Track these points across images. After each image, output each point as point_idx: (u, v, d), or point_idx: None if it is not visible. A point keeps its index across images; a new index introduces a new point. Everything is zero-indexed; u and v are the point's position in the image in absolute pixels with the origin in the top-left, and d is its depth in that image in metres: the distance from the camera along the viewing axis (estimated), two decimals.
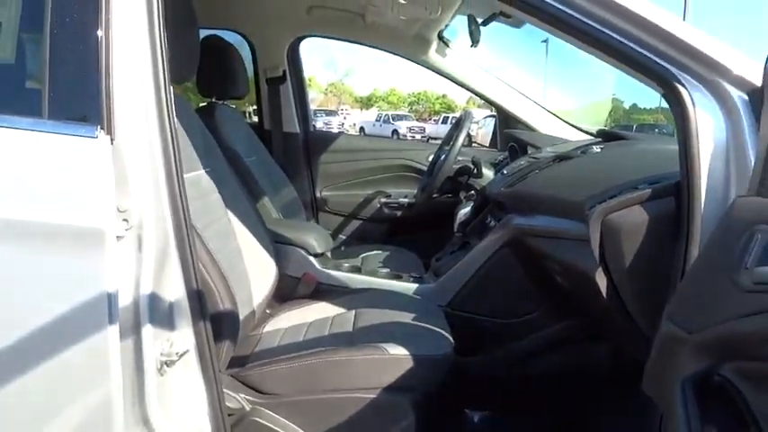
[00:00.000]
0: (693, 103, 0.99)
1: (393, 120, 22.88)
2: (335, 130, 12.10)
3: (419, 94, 37.28)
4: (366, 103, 37.91)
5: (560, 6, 1.00)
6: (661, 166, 1.15)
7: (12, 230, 0.84)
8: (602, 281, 1.16)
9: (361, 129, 21.64)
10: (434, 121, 23.87)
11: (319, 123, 17.39)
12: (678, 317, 0.76)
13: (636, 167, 1.28)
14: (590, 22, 1.01)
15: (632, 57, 1.02)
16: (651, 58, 1.01)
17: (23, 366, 0.85)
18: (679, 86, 1.00)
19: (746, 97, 0.99)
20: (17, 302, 0.85)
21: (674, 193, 1.04)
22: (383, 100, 38.04)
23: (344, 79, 38.34)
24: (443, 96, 34.16)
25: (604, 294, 1.15)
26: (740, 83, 0.98)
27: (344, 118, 25.37)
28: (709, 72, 1.00)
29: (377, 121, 23.50)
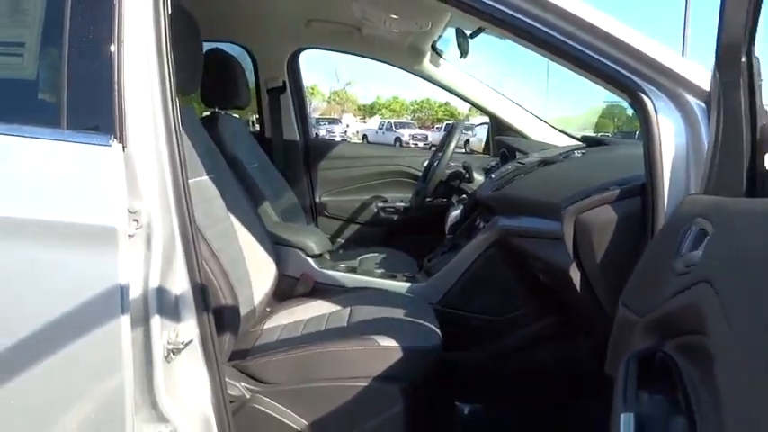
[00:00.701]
0: (656, 111, 1.07)
1: (396, 127, 22.92)
2: (338, 139, 12.16)
3: (422, 101, 37.40)
4: (369, 111, 38.05)
5: (527, 20, 1.08)
6: (634, 169, 1.24)
7: (33, 230, 0.92)
8: (575, 275, 1.24)
9: (364, 137, 21.74)
10: (437, 128, 23.92)
11: (322, 131, 17.46)
12: (630, 302, 0.84)
13: (611, 170, 1.37)
14: (561, 37, 1.09)
15: (600, 69, 1.10)
16: (618, 70, 1.09)
17: (45, 353, 0.93)
18: (643, 96, 1.08)
19: (704, 105, 1.07)
20: (38, 296, 0.94)
21: (639, 193, 1.13)
22: (386, 108, 38.17)
23: (347, 87, 38.59)
24: (446, 104, 34.28)
25: (578, 288, 1.24)
26: (698, 92, 1.06)
27: (347, 126, 25.45)
28: (671, 83, 1.08)
29: (379, 128, 23.57)
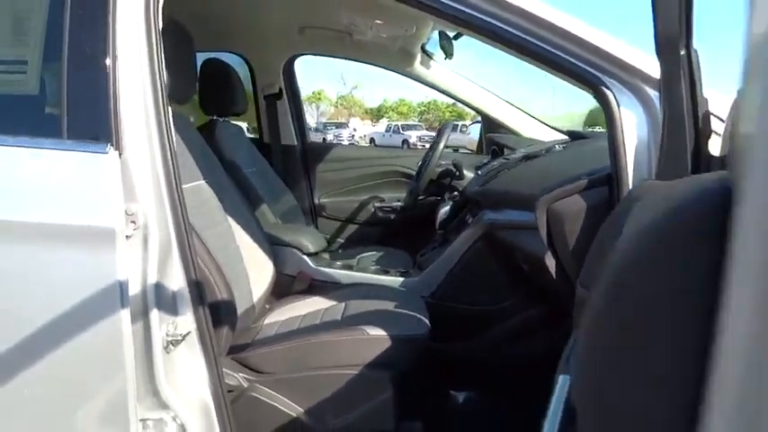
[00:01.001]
0: (618, 104, 1.13)
1: (403, 130, 22.94)
2: (346, 143, 12.19)
3: (429, 103, 37.39)
4: (376, 114, 38.14)
5: (493, 21, 1.14)
6: (608, 159, 1.30)
7: (38, 232, 1.00)
8: (550, 262, 1.30)
9: (372, 140, 21.78)
10: None
11: (330, 136, 17.52)
12: (586, 281, 0.91)
13: (588, 162, 1.42)
14: (522, 35, 1.15)
15: (564, 65, 1.16)
16: (581, 66, 1.15)
17: (51, 347, 1.00)
18: (606, 90, 1.14)
19: None
20: (43, 293, 1.01)
21: (606, 182, 1.19)
22: (393, 110, 38.24)
23: (354, 91, 38.73)
24: (453, 105, 34.21)
25: (553, 274, 1.30)
26: (657, 85, 1.13)
27: (354, 130, 25.51)
28: (631, 77, 1.14)
29: (387, 131, 23.61)
